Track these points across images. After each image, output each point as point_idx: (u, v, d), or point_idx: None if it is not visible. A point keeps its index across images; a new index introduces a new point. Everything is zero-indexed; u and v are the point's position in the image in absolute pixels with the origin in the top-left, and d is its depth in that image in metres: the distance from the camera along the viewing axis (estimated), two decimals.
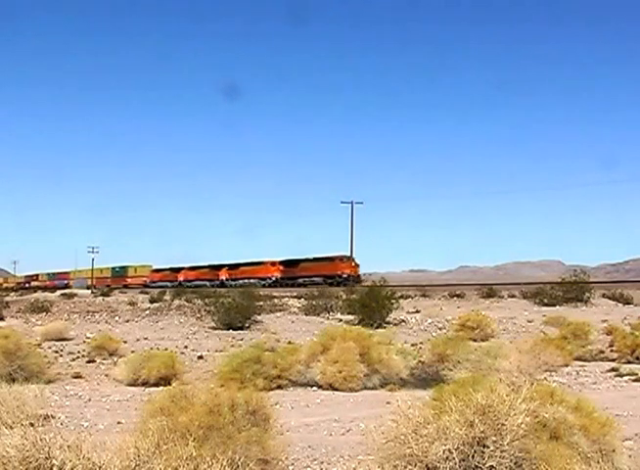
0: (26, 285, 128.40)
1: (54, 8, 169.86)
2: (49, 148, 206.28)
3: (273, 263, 71.79)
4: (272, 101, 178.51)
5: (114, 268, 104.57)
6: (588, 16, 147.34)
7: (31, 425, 6.03)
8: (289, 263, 70.32)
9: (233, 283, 69.80)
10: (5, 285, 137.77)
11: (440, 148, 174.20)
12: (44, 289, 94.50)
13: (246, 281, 67.10)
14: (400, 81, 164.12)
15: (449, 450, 4.23)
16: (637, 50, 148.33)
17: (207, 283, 73.24)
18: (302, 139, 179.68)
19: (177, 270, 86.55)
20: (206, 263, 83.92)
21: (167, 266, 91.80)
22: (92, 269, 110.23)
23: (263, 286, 62.77)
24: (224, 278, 76.15)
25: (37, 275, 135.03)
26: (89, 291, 74.91)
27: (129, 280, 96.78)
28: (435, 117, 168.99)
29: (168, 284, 77.17)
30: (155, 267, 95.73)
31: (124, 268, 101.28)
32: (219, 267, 79.43)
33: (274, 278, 69.77)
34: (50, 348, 17.16)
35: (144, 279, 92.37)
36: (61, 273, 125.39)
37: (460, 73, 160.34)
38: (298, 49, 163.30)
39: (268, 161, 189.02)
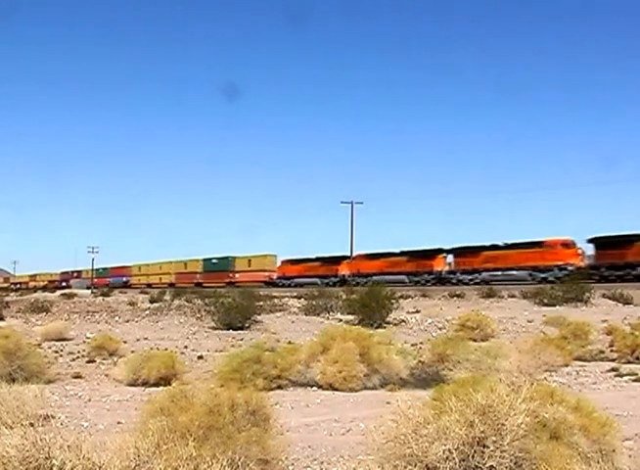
0: (63, 283, 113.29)
1: (54, 8, 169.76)
2: (49, 148, 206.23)
3: (440, 251, 56.36)
4: (272, 101, 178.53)
5: (209, 260, 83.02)
6: (588, 15, 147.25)
7: (31, 425, 6.03)
8: (463, 252, 54.16)
9: (364, 280, 54.63)
10: (33, 284, 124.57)
11: (441, 148, 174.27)
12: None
13: (391, 277, 54.42)
14: (400, 81, 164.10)
15: (449, 450, 4.23)
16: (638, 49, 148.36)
17: (318, 280, 60.39)
18: (302, 139, 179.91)
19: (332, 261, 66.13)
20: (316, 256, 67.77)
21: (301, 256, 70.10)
22: (170, 262, 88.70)
23: (426, 283, 52.35)
24: (345, 273, 62.84)
25: (79, 272, 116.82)
26: (89, 291, 74.88)
27: (237, 276, 75.62)
28: (436, 116, 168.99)
29: (319, 281, 60.07)
30: (288, 258, 72.41)
31: (227, 260, 79.37)
32: (337, 260, 65.19)
33: (442, 272, 55.13)
34: (50, 348, 17.16)
35: (267, 274, 72.44)
36: (117, 268, 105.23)
37: (460, 73, 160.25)
38: (298, 49, 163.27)
39: (268, 160, 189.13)
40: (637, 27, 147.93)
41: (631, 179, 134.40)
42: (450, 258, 56.77)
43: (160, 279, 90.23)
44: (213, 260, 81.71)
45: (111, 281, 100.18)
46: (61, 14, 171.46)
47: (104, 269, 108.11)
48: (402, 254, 58.93)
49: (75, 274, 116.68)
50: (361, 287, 46.78)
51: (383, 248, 73.15)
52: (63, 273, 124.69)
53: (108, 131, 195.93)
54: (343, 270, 63.91)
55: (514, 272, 48.71)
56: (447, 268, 56.15)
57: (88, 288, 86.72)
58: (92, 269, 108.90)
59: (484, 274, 50.17)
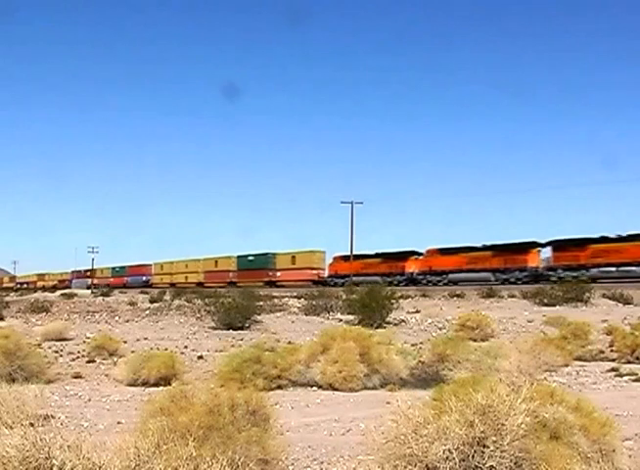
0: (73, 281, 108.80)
1: (54, 7, 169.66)
2: (49, 148, 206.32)
3: (534, 244, 49.87)
4: (272, 101, 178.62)
5: (244, 257, 75.76)
6: (588, 15, 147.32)
7: (31, 425, 6.03)
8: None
9: (436, 278, 51.16)
10: (41, 283, 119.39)
11: (441, 148, 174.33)
12: (112, 288, 74.45)
13: (473, 274, 49.06)
14: (400, 81, 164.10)
15: (449, 450, 4.23)
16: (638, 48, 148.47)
17: (380, 279, 52.52)
18: (302, 139, 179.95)
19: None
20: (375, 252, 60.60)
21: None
22: (185, 261, 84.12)
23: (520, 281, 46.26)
24: (414, 271, 56.59)
25: (92, 270, 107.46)
26: (89, 291, 74.74)
27: (279, 274, 70.30)
28: (436, 116, 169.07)
29: (380, 280, 50.55)
30: (341, 254, 64.31)
31: (266, 257, 72.45)
32: (403, 256, 58.05)
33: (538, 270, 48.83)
34: (50, 348, 17.15)
35: (315, 272, 65.97)
36: (136, 266, 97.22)
37: (459, 73, 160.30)
38: (298, 49, 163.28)
39: (268, 160, 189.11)
40: (637, 27, 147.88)
41: (631, 179, 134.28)
42: (546, 252, 51.07)
43: (187, 278, 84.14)
44: (250, 257, 74.93)
45: (128, 280, 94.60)
46: (60, 13, 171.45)
47: (120, 268, 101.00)
48: (487, 248, 52.41)
49: (88, 273, 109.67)
50: (433, 286, 43.75)
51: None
52: (74, 272, 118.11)
53: (108, 131, 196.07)
54: (411, 267, 57.50)
55: (634, 268, 44.01)
56: (543, 264, 50.49)
57: (88, 288, 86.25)
58: (110, 267, 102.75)
59: (593, 271, 45.29)
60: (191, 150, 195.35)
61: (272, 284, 66.33)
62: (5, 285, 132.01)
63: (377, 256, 60.59)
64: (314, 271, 66.26)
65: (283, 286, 60.33)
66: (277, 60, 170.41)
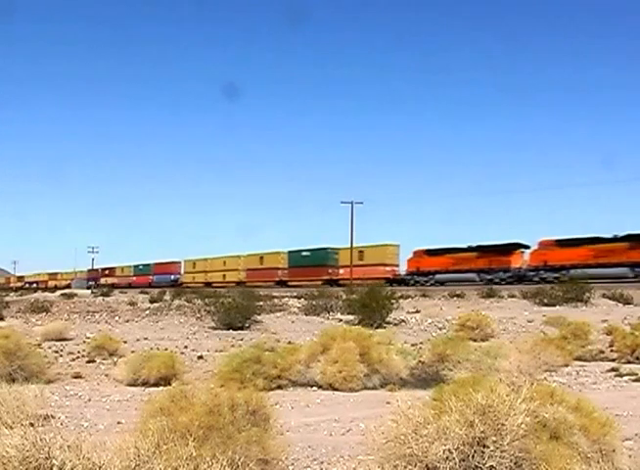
0: (91, 282, 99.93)
1: (54, 7, 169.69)
2: (49, 148, 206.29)
3: None
4: (272, 100, 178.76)
5: (297, 252, 68.09)
6: (588, 15, 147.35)
7: (31, 425, 6.03)
8: None
9: (552, 274, 44.28)
10: (53, 283, 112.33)
11: (441, 148, 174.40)
12: (128, 288, 72.43)
13: (606, 270, 42.83)
14: (400, 81, 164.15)
15: (449, 450, 4.23)
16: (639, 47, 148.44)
17: (476, 276, 48.95)
18: (302, 139, 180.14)
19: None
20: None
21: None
22: (221, 259, 75.97)
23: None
24: (521, 266, 49.88)
25: (111, 269, 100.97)
26: (89, 291, 74.49)
27: (342, 272, 62.03)
28: (436, 116, 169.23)
29: (477, 278, 48.59)
30: (424, 248, 56.35)
31: (325, 252, 64.51)
32: (507, 249, 50.28)
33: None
34: (50, 348, 17.15)
35: (388, 269, 58.42)
36: (163, 264, 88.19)
37: (460, 73, 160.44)
38: (298, 48, 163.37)
39: (268, 160, 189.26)
40: (637, 27, 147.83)
41: (631, 179, 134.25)
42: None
43: (224, 277, 76.74)
44: (304, 253, 66.31)
45: (154, 279, 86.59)
46: (60, 13, 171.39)
47: (145, 266, 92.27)
48: (622, 239, 44.56)
49: (107, 272, 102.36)
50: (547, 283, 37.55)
51: None
52: (91, 271, 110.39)
53: (108, 131, 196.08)
54: (518, 262, 50.58)
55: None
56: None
57: (88, 288, 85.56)
58: (131, 265, 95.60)
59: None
60: (191, 150, 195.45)
61: (334, 283, 58.35)
62: (13, 284, 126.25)
63: (472, 249, 52.41)
64: (387, 268, 58.05)
65: (345, 285, 51.81)
66: (277, 59, 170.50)
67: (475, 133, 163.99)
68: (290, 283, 65.37)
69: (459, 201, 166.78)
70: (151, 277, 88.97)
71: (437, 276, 53.28)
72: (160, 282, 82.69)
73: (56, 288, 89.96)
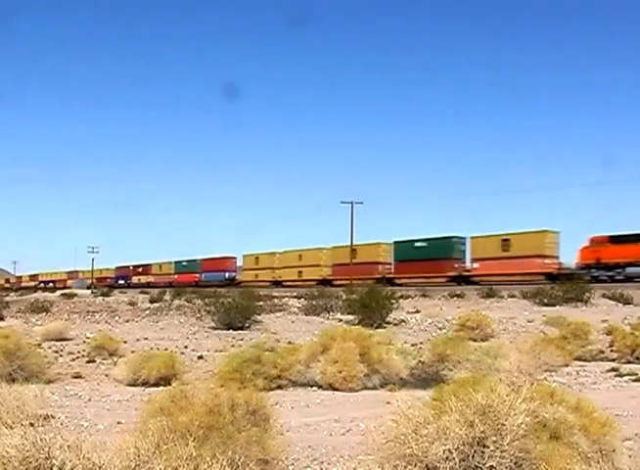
0: (121, 281, 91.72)
1: (54, 7, 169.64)
2: (49, 148, 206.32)
3: None
4: (272, 100, 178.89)
5: (407, 243, 56.87)
6: (588, 14, 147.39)
7: (31, 425, 6.03)
8: None
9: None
10: (72, 282, 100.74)
11: (441, 147, 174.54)
12: (169, 287, 62.92)
13: None
14: (401, 81, 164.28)
15: (449, 450, 4.23)
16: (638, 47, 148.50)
17: None
18: (302, 139, 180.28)
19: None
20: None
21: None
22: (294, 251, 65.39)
23: None
24: None
25: (147, 266, 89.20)
26: (89, 291, 74.10)
27: (476, 265, 50.47)
28: (436, 116, 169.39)
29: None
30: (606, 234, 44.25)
31: (449, 242, 53.34)
32: None
33: None
34: (50, 348, 17.15)
35: (545, 262, 46.14)
36: (214, 260, 77.16)
37: (460, 73, 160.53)
38: (298, 49, 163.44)
39: (268, 160, 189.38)
40: (637, 26, 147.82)
41: (631, 179, 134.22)
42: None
43: (300, 274, 65.84)
44: (418, 243, 55.04)
45: (203, 277, 77.02)
46: (60, 13, 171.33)
47: (190, 262, 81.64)
48: None
49: (141, 269, 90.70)
50: None
51: None
52: (120, 268, 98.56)
53: (108, 131, 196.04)
54: None
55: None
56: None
57: (88, 288, 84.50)
58: (163, 263, 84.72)
59: None
60: (191, 150, 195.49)
61: (464, 280, 48.23)
62: (25, 284, 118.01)
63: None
64: (546, 260, 45.72)
65: (479, 283, 43.03)
66: (277, 60, 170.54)
67: (475, 133, 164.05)
68: (397, 281, 54.20)
69: (459, 201, 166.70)
70: (198, 275, 78.28)
71: (629, 270, 42.50)
72: (210, 280, 72.48)
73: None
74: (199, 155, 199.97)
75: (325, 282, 59.36)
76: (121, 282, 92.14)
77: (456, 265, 52.34)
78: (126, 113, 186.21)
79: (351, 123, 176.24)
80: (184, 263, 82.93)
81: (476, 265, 51.09)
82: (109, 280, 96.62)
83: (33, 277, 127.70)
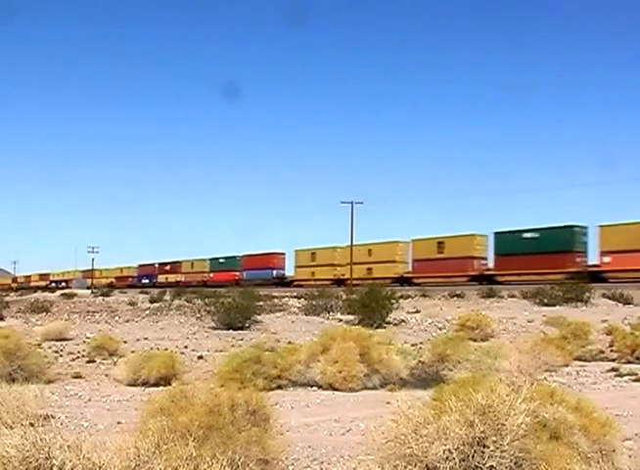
0: (145, 280, 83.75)
1: (54, 7, 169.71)
2: (49, 148, 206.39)
3: None
4: (272, 100, 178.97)
5: (509, 235, 48.44)
6: (588, 14, 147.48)
7: (31, 425, 6.02)
8: None
9: None
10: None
11: (441, 147, 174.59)
12: (202, 287, 56.82)
13: None
14: (401, 80, 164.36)
15: (449, 450, 4.23)
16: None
17: None
18: (302, 139, 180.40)
19: None
20: None
21: None
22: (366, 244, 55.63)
23: None
24: None
25: (175, 263, 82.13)
26: (89, 291, 73.70)
27: (608, 259, 42.45)
28: (436, 116, 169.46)
29: None
30: None
31: (568, 231, 44.98)
32: None
33: None
34: (50, 348, 17.15)
35: None
36: (257, 256, 68.80)
37: (460, 73, 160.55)
38: (298, 48, 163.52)
39: (268, 160, 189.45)
40: (637, 26, 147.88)
41: (631, 179, 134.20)
42: None
43: (370, 271, 56.48)
44: (527, 234, 46.67)
45: (245, 276, 69.42)
46: (60, 13, 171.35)
47: (228, 259, 74.10)
48: None
49: (169, 267, 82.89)
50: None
51: None
52: (143, 266, 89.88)
53: (108, 131, 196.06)
54: None
55: None
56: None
57: (88, 288, 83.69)
58: (195, 260, 76.46)
59: None
60: (191, 150, 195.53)
61: (591, 277, 40.45)
62: (34, 283, 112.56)
63: None
64: None
65: (610, 280, 37.14)
66: (277, 59, 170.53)
67: (475, 133, 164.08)
68: (498, 278, 46.40)
69: (459, 201, 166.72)
70: (238, 273, 71.19)
71: None
72: (253, 279, 64.72)
73: (94, 287, 76.55)
74: (199, 155, 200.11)
75: (402, 280, 52.35)
76: (145, 281, 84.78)
77: (578, 259, 44.37)
78: (126, 112, 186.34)
79: (351, 123, 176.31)
80: (221, 260, 75.32)
81: (606, 259, 42.74)
82: (130, 279, 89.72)
83: (44, 277, 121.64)
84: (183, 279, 78.15)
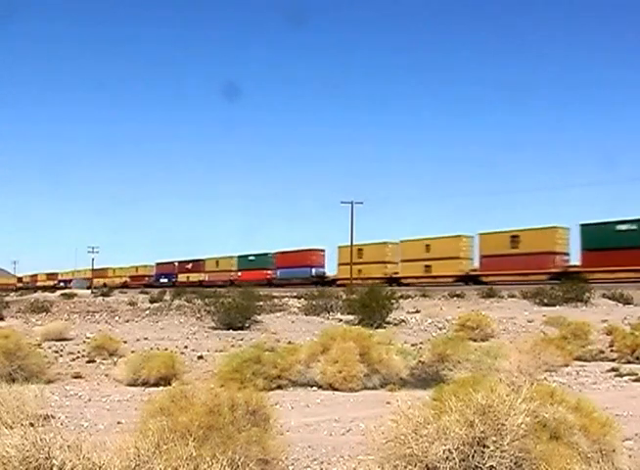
0: (164, 279, 76.96)
1: (55, 7, 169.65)
2: (49, 148, 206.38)
3: None
4: (272, 100, 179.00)
5: (598, 226, 43.41)
6: (588, 14, 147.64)
7: (31, 425, 6.02)
8: None
9: None
10: (101, 281, 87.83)
11: (441, 147, 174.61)
12: (229, 286, 51.03)
13: None
14: (401, 80, 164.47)
15: (449, 450, 4.23)
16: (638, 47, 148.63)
17: None
18: (302, 139, 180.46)
19: None
20: None
21: None
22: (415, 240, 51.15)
23: None
24: None
25: (198, 261, 74.72)
26: (89, 291, 73.58)
27: None
28: (436, 116, 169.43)
29: None
30: None
31: None
32: None
33: None
34: (50, 348, 17.15)
35: None
36: (292, 253, 62.53)
37: (460, 72, 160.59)
38: (298, 48, 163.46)
39: (268, 160, 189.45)
40: (637, 26, 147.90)
41: (631, 179, 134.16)
42: None
43: (429, 269, 51.32)
44: (621, 226, 41.12)
45: (279, 274, 64.08)
46: (61, 13, 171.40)
47: (258, 256, 67.77)
48: None
49: (190, 266, 76.34)
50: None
51: None
52: (161, 265, 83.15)
53: (108, 131, 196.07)
54: None
55: None
56: None
57: (88, 288, 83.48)
58: (221, 258, 70.07)
59: None
60: (191, 149, 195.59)
61: None
62: (41, 283, 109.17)
63: None
64: None
65: None
66: (277, 59, 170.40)
67: (475, 133, 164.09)
68: (587, 275, 39.32)
69: (459, 201, 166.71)
70: (270, 272, 65.52)
71: None
72: (289, 278, 59.84)
73: (106, 287, 71.89)
74: (199, 154, 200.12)
75: (467, 278, 46.85)
76: (164, 281, 77.98)
77: None
78: (126, 112, 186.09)
79: (351, 123, 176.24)
80: (250, 258, 68.94)
81: None
82: (147, 279, 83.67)
83: (51, 276, 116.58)
84: (207, 278, 72.31)
